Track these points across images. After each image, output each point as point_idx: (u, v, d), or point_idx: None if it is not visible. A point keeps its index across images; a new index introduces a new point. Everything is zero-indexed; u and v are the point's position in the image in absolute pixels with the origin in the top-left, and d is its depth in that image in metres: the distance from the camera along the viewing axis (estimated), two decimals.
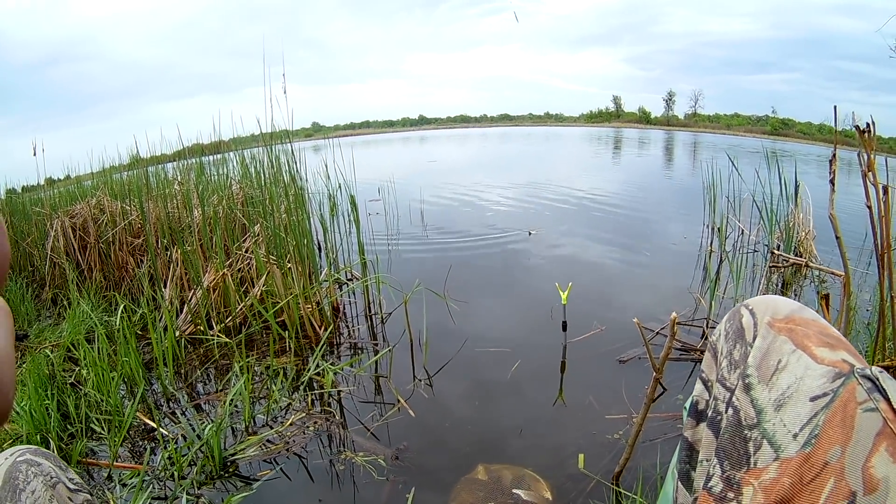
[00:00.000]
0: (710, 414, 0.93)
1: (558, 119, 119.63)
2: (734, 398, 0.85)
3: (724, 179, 6.62)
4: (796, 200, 5.73)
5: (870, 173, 1.94)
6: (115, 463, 2.48)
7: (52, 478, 1.07)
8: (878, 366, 2.04)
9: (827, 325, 0.88)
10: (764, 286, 4.85)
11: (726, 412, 0.86)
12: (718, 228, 5.85)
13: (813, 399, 0.75)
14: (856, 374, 0.75)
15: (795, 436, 0.74)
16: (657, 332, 3.69)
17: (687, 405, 1.02)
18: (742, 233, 6.35)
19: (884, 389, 0.72)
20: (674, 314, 1.95)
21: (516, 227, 7.47)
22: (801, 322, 0.88)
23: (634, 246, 6.53)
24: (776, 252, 5.48)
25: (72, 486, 1.09)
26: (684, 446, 0.99)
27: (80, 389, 3.03)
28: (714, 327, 2.11)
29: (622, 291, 4.93)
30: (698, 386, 0.99)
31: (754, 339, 0.89)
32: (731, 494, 0.77)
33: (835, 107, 2.13)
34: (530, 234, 6.24)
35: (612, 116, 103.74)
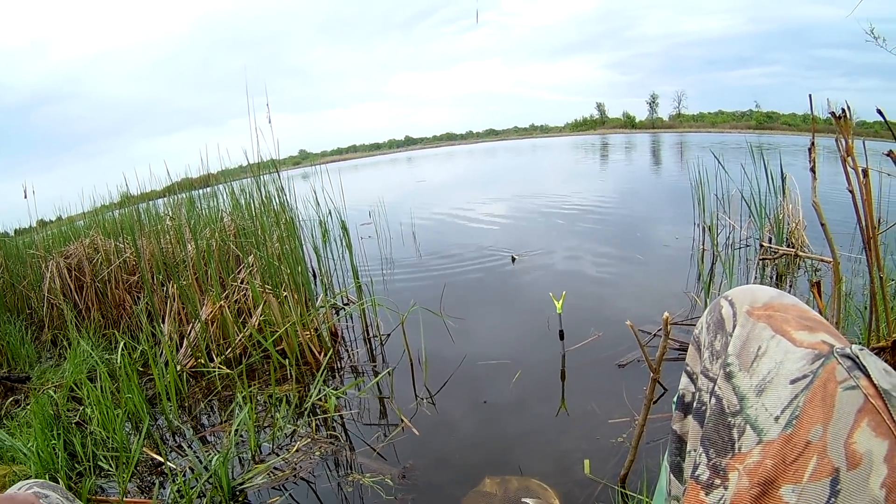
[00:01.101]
0: (695, 405, 0.95)
1: (544, 130, 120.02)
2: (717, 387, 0.87)
3: (711, 178, 6.65)
4: (784, 192, 5.75)
5: (849, 158, 1.97)
6: (124, 499, 2.49)
7: None
8: (873, 347, 2.07)
9: (807, 308, 0.91)
10: (758, 280, 4.90)
11: (710, 402, 0.88)
12: (709, 227, 5.89)
13: (793, 382, 0.77)
14: (835, 354, 0.77)
15: (777, 418, 0.75)
16: (654, 335, 3.73)
17: (675, 399, 1.04)
18: (733, 229, 6.36)
19: (864, 367, 0.74)
20: (666, 314, 1.98)
21: (507, 242, 7.48)
22: (779, 308, 0.90)
23: (627, 250, 6.56)
24: (765, 245, 5.53)
25: None
26: (674, 439, 1.02)
27: (86, 428, 3.05)
28: None
29: (617, 296, 4.98)
30: (684, 379, 1.02)
31: (734, 328, 0.91)
32: (717, 481, 0.79)
33: (810, 95, 2.16)
34: (514, 259, 6.22)
35: (597, 123, 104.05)
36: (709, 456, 0.82)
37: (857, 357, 0.75)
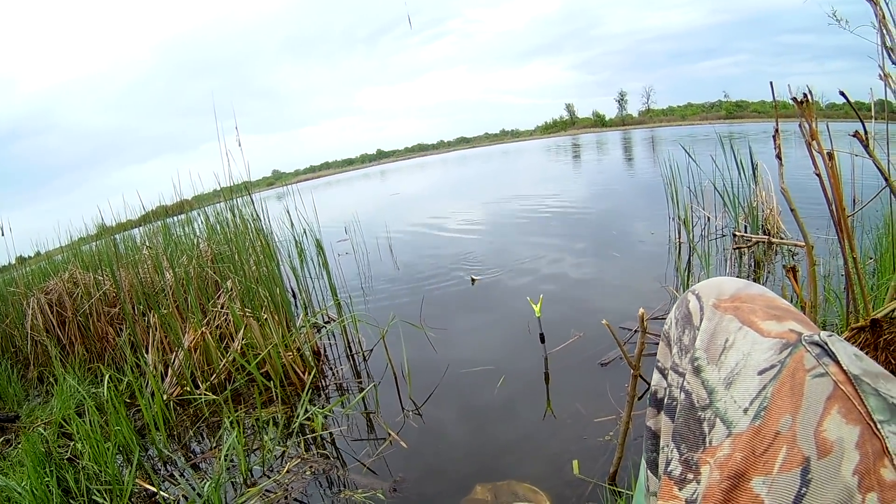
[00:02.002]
0: (666, 401, 0.95)
1: (514, 134, 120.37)
2: (685, 382, 0.87)
3: (683, 171, 6.67)
4: (756, 180, 5.85)
5: (814, 142, 2.01)
6: None
7: None
8: (852, 327, 2.12)
9: (774, 297, 0.90)
10: (736, 269, 4.96)
11: (680, 397, 0.88)
12: (683, 220, 5.90)
13: (761, 372, 0.76)
14: (804, 342, 0.75)
15: (746, 410, 0.74)
16: (634, 331, 3.80)
17: (649, 395, 1.04)
18: (708, 220, 6.46)
19: (833, 353, 0.73)
20: (641, 310, 2.04)
21: (483, 249, 7.58)
22: (746, 299, 0.89)
23: (603, 248, 6.65)
24: (738, 234, 5.59)
25: None
26: (649, 435, 1.02)
27: (78, 463, 3.06)
28: None
29: (596, 295, 5.03)
30: (655, 375, 1.02)
31: (701, 322, 0.91)
32: (690, 475, 0.78)
33: (771, 83, 2.20)
34: (473, 281, 6.16)
35: (568, 124, 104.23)
36: (680, 451, 0.82)
37: (826, 343, 0.74)
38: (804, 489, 0.65)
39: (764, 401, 0.73)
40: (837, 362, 0.72)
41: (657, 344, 2.93)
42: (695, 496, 0.77)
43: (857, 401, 0.68)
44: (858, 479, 0.64)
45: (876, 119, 2.79)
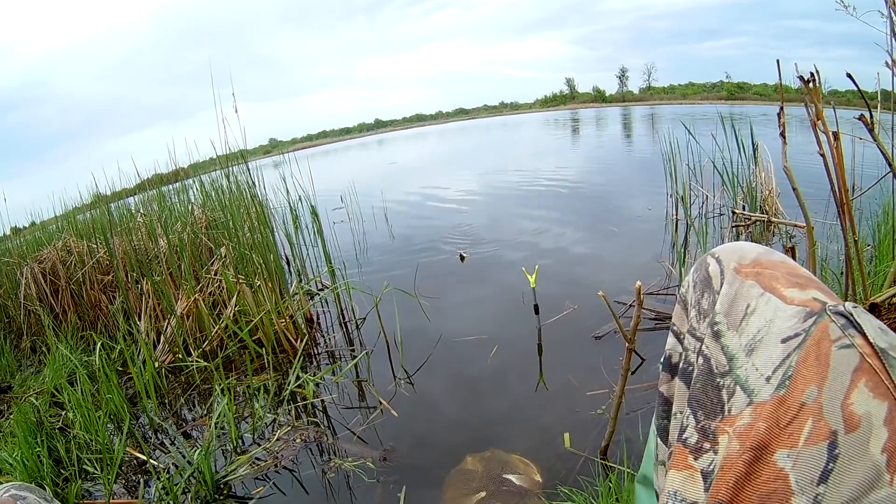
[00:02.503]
0: (682, 366, 0.92)
1: (513, 107, 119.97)
2: (704, 347, 0.84)
3: (682, 148, 6.65)
4: (756, 160, 5.81)
5: (819, 122, 1.98)
6: (111, 501, 2.52)
7: None
8: None
9: (796, 265, 0.87)
10: None
11: (697, 362, 0.85)
12: (681, 197, 5.88)
13: (784, 340, 0.73)
14: (828, 312, 0.73)
15: (769, 379, 0.72)
16: (629, 305, 3.76)
17: (662, 360, 0.99)
18: (706, 198, 6.43)
19: (858, 325, 0.70)
20: (638, 283, 2.01)
21: (480, 220, 7.57)
22: (768, 265, 0.86)
23: (600, 223, 6.62)
24: (737, 211, 5.56)
25: None
26: (661, 401, 0.98)
27: (69, 432, 3.07)
28: None
29: (592, 269, 5.03)
30: (670, 339, 0.97)
31: (721, 286, 0.87)
32: (707, 445, 0.76)
33: (777, 61, 2.16)
34: (462, 258, 6.00)
35: (568, 99, 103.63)
36: (697, 418, 0.79)
37: (852, 315, 0.72)
38: (831, 464, 0.63)
39: (788, 370, 0.71)
40: (863, 334, 0.69)
41: (653, 319, 2.92)
42: (712, 467, 0.74)
43: (885, 375, 0.66)
44: (887, 458, 0.62)
45: (881, 108, 2.76)
